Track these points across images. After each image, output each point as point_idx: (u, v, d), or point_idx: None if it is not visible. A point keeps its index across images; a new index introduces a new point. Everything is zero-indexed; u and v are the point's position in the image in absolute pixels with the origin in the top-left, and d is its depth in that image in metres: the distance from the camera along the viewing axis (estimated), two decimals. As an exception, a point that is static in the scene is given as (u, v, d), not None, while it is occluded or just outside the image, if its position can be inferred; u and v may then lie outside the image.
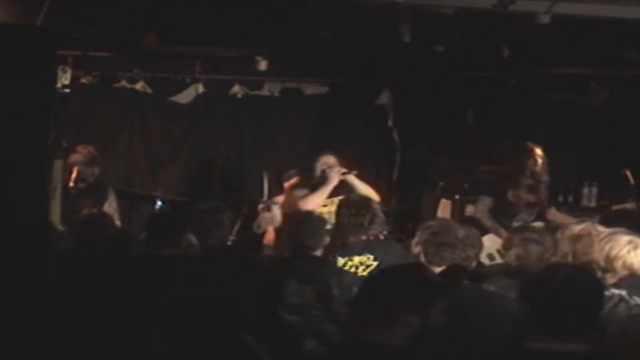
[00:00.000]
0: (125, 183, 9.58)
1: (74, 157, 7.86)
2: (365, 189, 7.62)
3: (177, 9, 6.98)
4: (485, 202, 7.94)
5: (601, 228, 5.47)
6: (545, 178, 8.03)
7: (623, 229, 5.33)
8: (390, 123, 10.69)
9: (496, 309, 4.67)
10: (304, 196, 7.55)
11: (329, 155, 7.82)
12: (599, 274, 4.87)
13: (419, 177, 10.28)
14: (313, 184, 7.69)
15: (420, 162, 10.48)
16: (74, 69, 6.75)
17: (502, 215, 7.80)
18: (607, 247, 5.09)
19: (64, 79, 5.95)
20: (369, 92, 10.60)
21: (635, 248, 5.05)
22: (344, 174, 7.62)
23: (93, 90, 9.56)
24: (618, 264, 5.02)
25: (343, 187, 7.63)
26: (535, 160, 7.97)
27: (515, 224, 7.55)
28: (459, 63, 9.59)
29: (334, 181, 7.58)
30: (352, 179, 7.67)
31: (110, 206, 8.10)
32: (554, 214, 8.14)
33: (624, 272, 5.00)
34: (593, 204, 9.89)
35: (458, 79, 10.23)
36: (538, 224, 7.54)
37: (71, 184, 7.69)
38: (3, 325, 4.22)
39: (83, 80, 9.20)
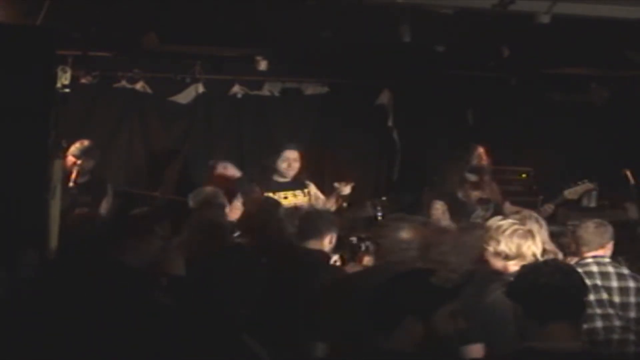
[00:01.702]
0: (125, 183, 9.57)
1: (70, 150, 7.86)
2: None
3: (177, 9, 6.99)
4: (438, 205, 8.00)
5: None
6: (487, 172, 8.09)
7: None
8: (390, 123, 10.68)
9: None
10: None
11: (293, 150, 7.91)
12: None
13: (419, 177, 10.28)
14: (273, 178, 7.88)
15: (420, 162, 10.48)
16: (74, 69, 6.75)
17: (459, 215, 7.81)
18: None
19: (64, 79, 5.95)
20: (369, 92, 10.59)
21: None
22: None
23: (93, 90, 9.55)
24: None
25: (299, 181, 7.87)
26: (471, 158, 8.04)
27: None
28: (459, 63, 9.59)
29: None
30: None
31: (107, 204, 8.12)
32: (509, 208, 8.15)
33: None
34: (593, 204, 9.87)
35: (458, 79, 10.22)
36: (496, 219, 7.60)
37: (71, 184, 7.70)
38: (3, 325, 4.22)
39: (83, 80, 9.19)
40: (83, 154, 8.00)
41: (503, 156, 9.81)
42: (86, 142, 8.10)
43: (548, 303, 3.57)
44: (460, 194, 7.98)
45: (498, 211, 7.90)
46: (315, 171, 10.19)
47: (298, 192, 7.86)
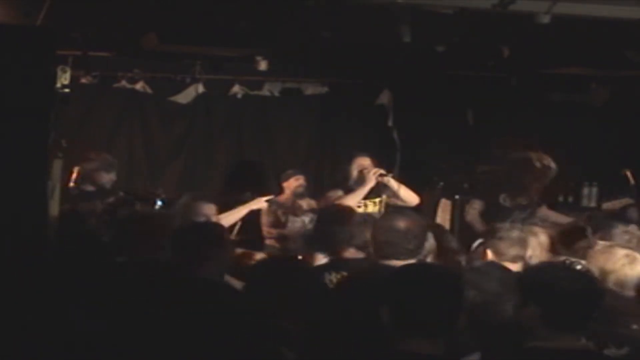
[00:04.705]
0: (125, 183, 9.57)
1: (92, 165, 7.93)
2: (403, 191, 7.64)
3: (177, 9, 6.98)
4: (476, 205, 7.98)
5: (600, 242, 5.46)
6: (542, 182, 8.03)
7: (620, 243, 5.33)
8: (390, 123, 10.69)
9: None
10: (339, 198, 7.53)
11: (364, 157, 7.81)
12: None
13: (419, 177, 10.28)
14: (349, 185, 7.71)
15: (420, 162, 10.48)
16: (74, 69, 6.74)
17: (495, 218, 7.76)
18: (602, 259, 5.05)
19: (64, 79, 5.94)
20: (369, 92, 10.60)
21: (630, 262, 4.98)
22: (381, 175, 7.60)
23: (93, 90, 9.56)
24: (611, 278, 4.97)
25: (379, 189, 7.67)
26: (539, 169, 7.99)
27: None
28: (459, 63, 9.59)
29: (370, 183, 7.55)
30: (389, 181, 7.66)
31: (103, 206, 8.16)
32: (545, 212, 8.13)
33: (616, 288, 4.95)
34: (593, 204, 9.89)
35: (458, 79, 10.23)
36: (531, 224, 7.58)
37: (71, 184, 7.71)
38: (3, 324, 4.23)
39: (83, 80, 9.19)
40: (107, 168, 8.11)
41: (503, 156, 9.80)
42: (106, 156, 8.23)
43: (563, 307, 3.53)
44: (502, 198, 7.92)
45: (533, 216, 7.88)
46: (315, 171, 10.22)
47: (368, 201, 7.60)
